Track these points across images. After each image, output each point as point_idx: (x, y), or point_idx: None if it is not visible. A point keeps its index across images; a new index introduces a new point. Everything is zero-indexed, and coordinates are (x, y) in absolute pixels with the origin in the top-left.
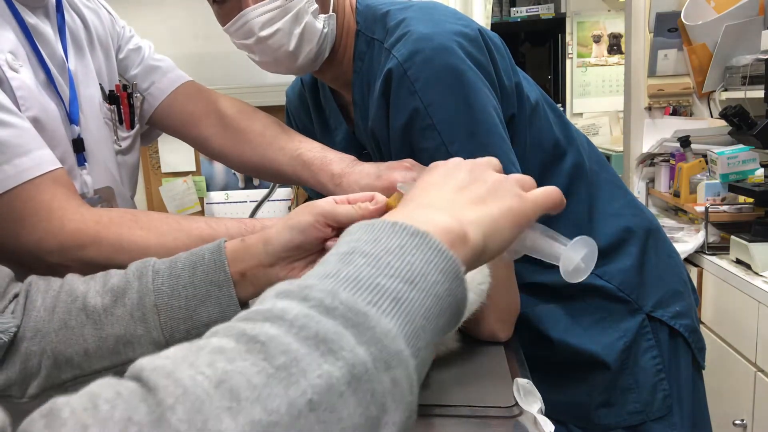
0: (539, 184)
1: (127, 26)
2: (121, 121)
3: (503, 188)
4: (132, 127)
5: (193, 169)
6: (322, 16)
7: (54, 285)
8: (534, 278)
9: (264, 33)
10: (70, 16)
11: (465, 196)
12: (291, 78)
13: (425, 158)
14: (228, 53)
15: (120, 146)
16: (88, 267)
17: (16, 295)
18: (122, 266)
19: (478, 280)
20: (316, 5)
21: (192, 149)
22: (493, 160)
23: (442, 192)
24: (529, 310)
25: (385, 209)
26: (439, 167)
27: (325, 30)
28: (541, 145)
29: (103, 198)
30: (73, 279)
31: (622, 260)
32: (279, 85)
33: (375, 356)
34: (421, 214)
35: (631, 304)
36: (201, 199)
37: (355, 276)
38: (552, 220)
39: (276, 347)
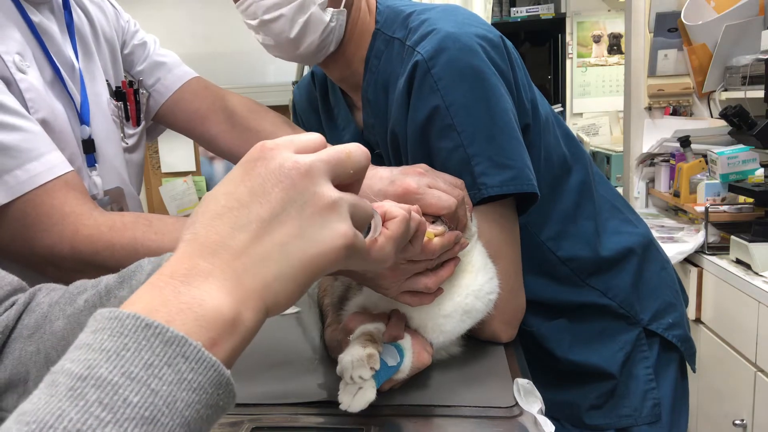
0: (550, 200)
1: (131, 20)
2: (127, 118)
3: (323, 221)
4: (138, 123)
5: (193, 169)
6: (332, 9)
7: (62, 285)
8: (543, 294)
9: (267, 17)
10: (76, 14)
11: (263, 243)
12: (291, 78)
13: (441, 157)
14: (227, 53)
15: (127, 144)
16: (102, 272)
17: (13, 303)
18: None
19: (486, 290)
20: None
21: (192, 149)
22: (334, 152)
23: (238, 230)
24: (535, 329)
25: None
26: (257, 167)
27: (332, 24)
28: (550, 159)
29: (113, 199)
30: (76, 283)
31: (623, 277)
32: (279, 84)
33: None
34: (189, 291)
35: (630, 319)
36: (201, 199)
37: (78, 428)
38: (564, 238)
39: None
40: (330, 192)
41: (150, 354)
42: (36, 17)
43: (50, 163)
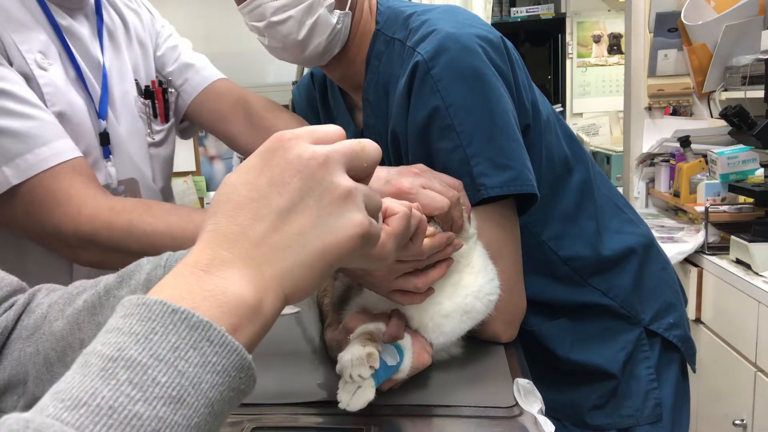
0: (551, 199)
1: (167, 25)
2: (155, 115)
3: (340, 211)
4: (167, 120)
5: (193, 169)
6: (338, 12)
7: (62, 286)
8: (544, 294)
9: (275, 18)
10: (109, 16)
11: (282, 232)
12: (291, 78)
13: (441, 158)
14: (227, 53)
15: (153, 139)
16: (104, 251)
17: (12, 304)
18: (134, 251)
19: (486, 291)
20: (332, 0)
21: (192, 149)
22: (356, 147)
23: (257, 220)
24: (536, 329)
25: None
26: (276, 158)
27: (339, 26)
28: (552, 159)
29: (128, 189)
30: (76, 283)
31: (624, 277)
32: (279, 84)
33: None
34: (212, 280)
35: (631, 319)
36: (201, 199)
37: (110, 405)
38: (565, 237)
39: None
40: (346, 182)
41: (176, 338)
42: (65, 21)
43: (58, 148)
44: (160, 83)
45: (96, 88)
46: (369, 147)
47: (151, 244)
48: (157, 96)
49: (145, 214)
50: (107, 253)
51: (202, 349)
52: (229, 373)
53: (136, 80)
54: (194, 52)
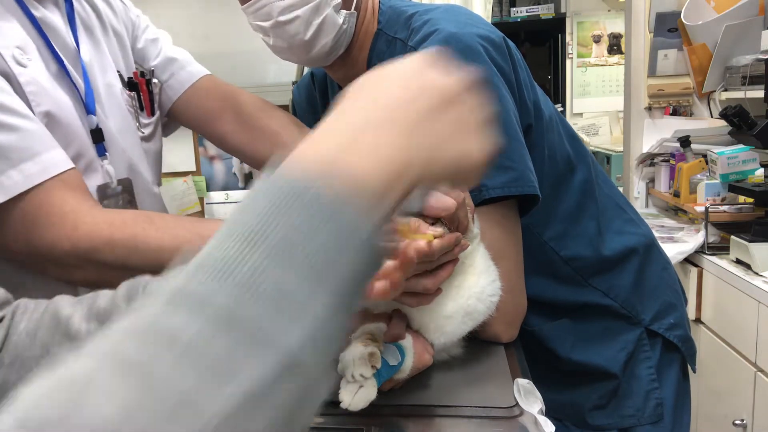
0: (553, 198)
1: (141, 15)
2: (142, 108)
3: (484, 132)
4: (153, 113)
5: (193, 169)
6: (344, 12)
7: (39, 308)
8: (545, 294)
9: (282, 18)
10: (80, 5)
11: (439, 120)
12: (291, 78)
13: None
14: (227, 53)
15: (143, 133)
16: (102, 269)
17: (1, 319)
18: (136, 268)
19: (488, 292)
20: (338, 0)
21: (192, 149)
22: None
23: (417, 100)
24: (537, 329)
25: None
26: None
27: (345, 26)
28: (554, 158)
29: (124, 189)
30: (59, 301)
31: (624, 277)
32: (279, 84)
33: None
34: (363, 142)
35: (631, 319)
36: (201, 199)
37: (258, 270)
38: (567, 237)
39: (165, 385)
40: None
41: (309, 220)
42: (38, 12)
43: (46, 162)
44: (142, 74)
45: (80, 82)
46: None
47: (157, 260)
48: (141, 88)
49: (149, 228)
50: (106, 270)
51: (334, 232)
52: (365, 248)
53: (118, 72)
54: (174, 46)
